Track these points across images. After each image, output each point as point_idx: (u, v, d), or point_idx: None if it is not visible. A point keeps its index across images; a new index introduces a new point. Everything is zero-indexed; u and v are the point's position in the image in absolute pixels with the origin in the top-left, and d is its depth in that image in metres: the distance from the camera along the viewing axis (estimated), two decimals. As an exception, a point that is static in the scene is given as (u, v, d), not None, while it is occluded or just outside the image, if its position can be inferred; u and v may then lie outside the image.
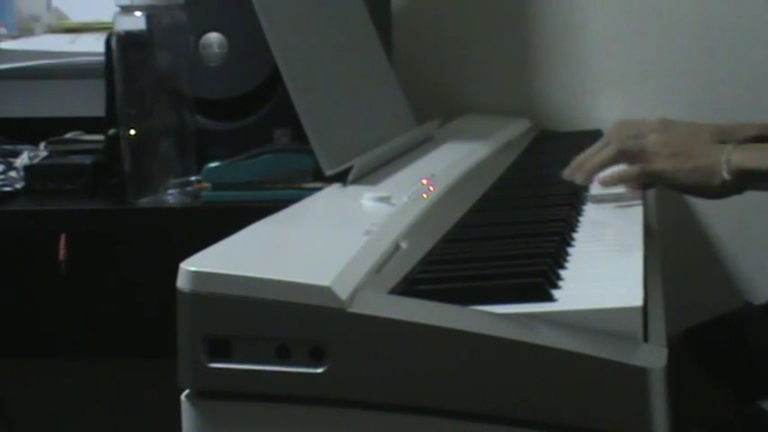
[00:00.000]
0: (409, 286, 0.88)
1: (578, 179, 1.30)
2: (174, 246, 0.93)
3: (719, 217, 1.87)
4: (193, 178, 1.35)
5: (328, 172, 1.25)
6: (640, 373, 0.76)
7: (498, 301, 0.83)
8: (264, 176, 1.32)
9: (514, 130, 1.79)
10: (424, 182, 1.21)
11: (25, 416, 1.83)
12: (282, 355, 0.81)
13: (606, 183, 1.28)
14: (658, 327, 0.85)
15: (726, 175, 1.21)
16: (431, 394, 0.79)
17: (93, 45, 1.61)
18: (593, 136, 1.80)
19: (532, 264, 0.92)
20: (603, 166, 1.30)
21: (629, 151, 1.27)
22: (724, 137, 1.35)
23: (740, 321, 1.32)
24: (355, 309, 0.80)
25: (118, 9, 1.33)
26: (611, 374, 0.76)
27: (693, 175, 1.23)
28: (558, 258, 0.97)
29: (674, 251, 1.64)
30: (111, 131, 1.39)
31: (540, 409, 0.77)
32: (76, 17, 1.81)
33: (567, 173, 1.33)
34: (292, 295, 0.80)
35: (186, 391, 0.83)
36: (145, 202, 1.32)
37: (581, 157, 1.33)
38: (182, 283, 0.82)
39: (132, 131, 1.32)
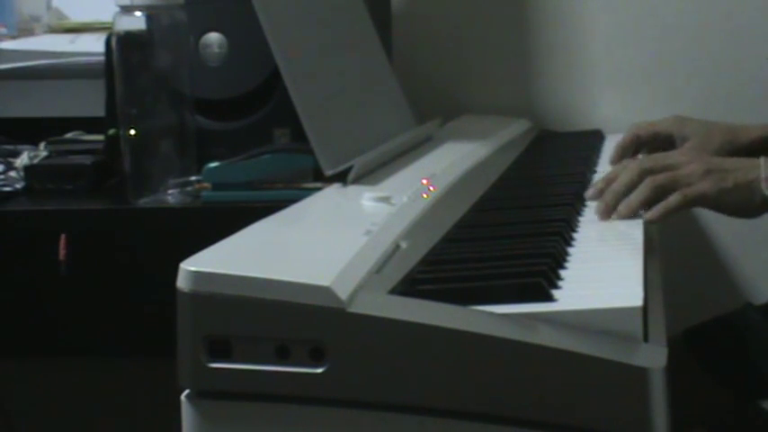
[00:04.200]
0: (409, 286, 0.88)
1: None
2: (174, 246, 0.93)
3: (720, 217, 1.86)
4: (193, 178, 1.35)
5: (328, 172, 1.25)
6: (640, 373, 0.76)
7: (498, 301, 0.83)
8: (264, 176, 1.32)
9: (514, 130, 1.79)
10: (424, 182, 1.21)
11: (25, 416, 1.83)
12: (282, 355, 0.81)
13: (659, 217, 1.17)
14: (658, 327, 0.85)
15: (767, 193, 1.17)
16: (431, 394, 0.79)
17: (93, 45, 1.61)
18: (594, 136, 1.81)
19: (532, 264, 0.92)
20: (640, 207, 1.17)
21: (665, 186, 1.18)
22: (732, 136, 1.37)
23: (740, 321, 1.32)
24: (355, 309, 0.80)
25: (118, 9, 1.33)
26: (611, 374, 0.76)
27: (735, 194, 1.18)
28: (558, 258, 0.96)
29: (674, 251, 1.64)
30: (111, 131, 1.39)
31: (540, 409, 0.77)
32: (76, 17, 1.81)
33: (600, 210, 1.19)
34: (292, 295, 0.80)
35: (186, 391, 0.83)
36: (145, 202, 1.32)
37: (609, 194, 1.19)
38: (182, 283, 0.82)
39: (132, 131, 1.32)
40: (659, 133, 1.49)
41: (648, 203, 1.18)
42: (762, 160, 1.20)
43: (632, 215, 1.17)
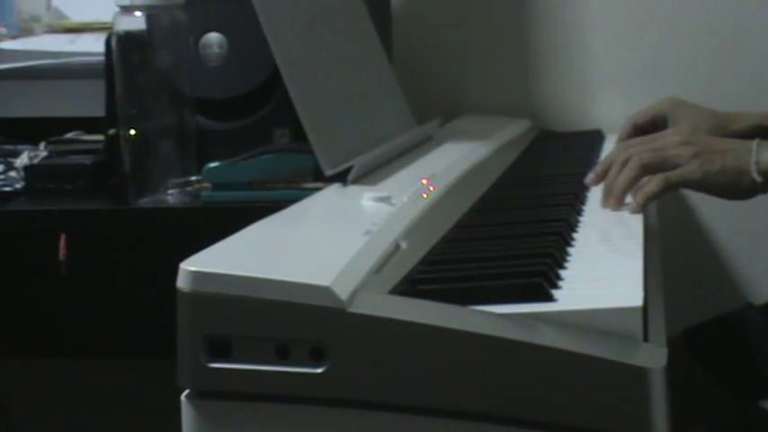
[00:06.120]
0: (409, 286, 0.88)
1: (610, 207, 1.21)
2: (174, 246, 0.93)
3: (719, 217, 1.87)
4: (193, 178, 1.35)
5: (328, 172, 1.25)
6: (640, 373, 0.76)
7: (498, 301, 0.83)
8: (264, 176, 1.32)
9: (514, 130, 1.79)
10: (424, 182, 1.21)
11: (25, 416, 1.83)
12: (282, 355, 0.81)
13: (642, 205, 1.19)
14: (658, 327, 0.85)
15: (756, 177, 1.18)
16: (431, 394, 0.79)
17: (93, 45, 1.61)
18: (594, 136, 1.81)
19: (532, 264, 0.92)
20: (629, 186, 1.21)
21: (651, 164, 1.21)
22: (723, 122, 1.39)
23: (740, 321, 1.32)
24: (355, 309, 0.80)
25: (118, 9, 1.33)
26: (611, 374, 0.76)
27: (721, 178, 1.19)
28: (558, 258, 0.97)
29: (674, 251, 1.65)
30: (111, 131, 1.39)
31: (540, 409, 0.77)
32: (76, 17, 1.81)
33: (588, 179, 1.29)
34: (292, 295, 0.80)
35: (186, 391, 0.83)
36: (145, 202, 1.32)
37: (599, 169, 1.27)
38: (182, 283, 0.82)
39: (132, 131, 1.32)
40: (656, 116, 1.50)
41: (636, 181, 1.21)
42: (754, 143, 1.20)
43: (622, 195, 1.20)
